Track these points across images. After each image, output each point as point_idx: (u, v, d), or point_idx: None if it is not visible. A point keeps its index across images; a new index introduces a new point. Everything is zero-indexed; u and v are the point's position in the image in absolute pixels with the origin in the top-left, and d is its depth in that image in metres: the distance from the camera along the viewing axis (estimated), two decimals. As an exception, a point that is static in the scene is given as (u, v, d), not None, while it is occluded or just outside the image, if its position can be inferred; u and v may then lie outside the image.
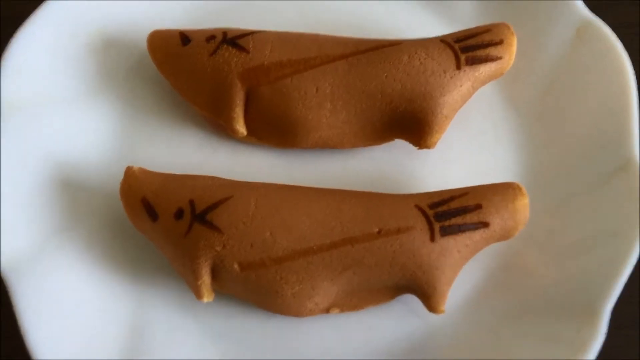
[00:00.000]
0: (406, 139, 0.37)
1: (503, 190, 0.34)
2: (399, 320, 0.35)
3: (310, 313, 0.34)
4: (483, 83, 0.37)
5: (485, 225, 0.33)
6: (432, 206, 0.34)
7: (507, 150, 0.39)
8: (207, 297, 0.34)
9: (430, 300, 0.33)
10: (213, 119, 0.38)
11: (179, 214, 0.33)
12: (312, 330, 0.35)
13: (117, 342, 0.34)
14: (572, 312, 0.34)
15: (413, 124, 0.36)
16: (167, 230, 0.33)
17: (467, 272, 0.35)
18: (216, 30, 0.37)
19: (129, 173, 0.35)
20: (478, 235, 0.33)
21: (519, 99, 0.40)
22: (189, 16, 0.41)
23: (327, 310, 0.34)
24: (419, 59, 0.35)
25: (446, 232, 0.33)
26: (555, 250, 0.36)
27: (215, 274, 0.33)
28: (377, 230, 0.33)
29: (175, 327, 0.35)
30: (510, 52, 0.37)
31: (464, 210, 0.33)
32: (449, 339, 0.35)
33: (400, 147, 0.38)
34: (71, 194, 0.37)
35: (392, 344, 0.35)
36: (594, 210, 0.36)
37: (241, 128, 0.37)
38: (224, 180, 0.35)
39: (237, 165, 0.38)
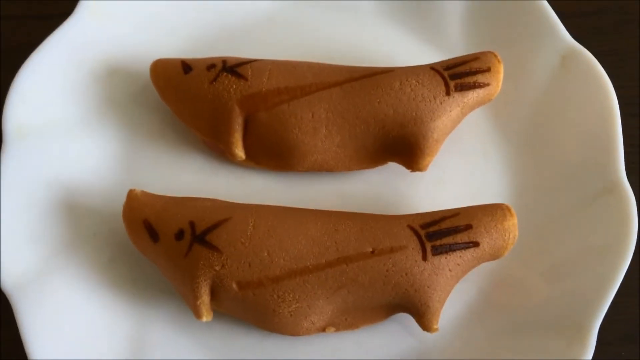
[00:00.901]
0: (399, 162, 0.38)
1: (492, 211, 0.35)
2: (393, 339, 0.36)
3: (307, 332, 0.35)
4: (472, 108, 0.38)
5: (475, 244, 0.34)
6: (424, 226, 0.35)
7: (497, 172, 0.40)
8: (206, 317, 0.34)
9: (423, 318, 0.34)
10: (213, 143, 0.39)
11: (180, 235, 0.34)
12: (309, 349, 0.36)
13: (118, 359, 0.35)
14: (561, 329, 0.35)
15: (405, 148, 0.37)
16: (168, 251, 0.34)
17: (459, 291, 0.37)
18: (216, 59, 0.39)
19: (132, 196, 0.36)
20: (469, 254, 0.34)
21: (508, 123, 0.41)
22: (190, 46, 0.43)
23: (323, 329, 0.35)
24: (410, 86, 0.37)
25: (438, 251, 0.34)
26: (544, 269, 0.37)
27: (214, 294, 0.34)
28: (370, 249, 0.34)
29: (174, 346, 0.36)
30: (497, 79, 0.38)
31: (455, 230, 0.35)
32: (443, 356, 0.36)
33: (393, 170, 0.40)
34: (75, 216, 0.38)
35: (387, 362, 0.36)
36: (580, 231, 0.37)
37: (240, 152, 0.38)
38: (223, 202, 0.36)
39: (235, 188, 0.40)
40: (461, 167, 0.40)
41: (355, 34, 0.43)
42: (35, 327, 0.34)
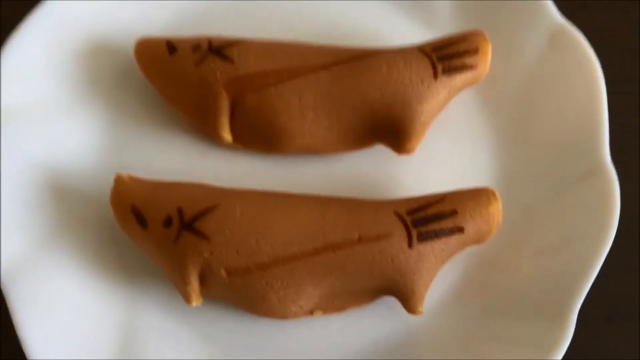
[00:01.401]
0: (386, 144, 0.38)
1: (477, 196, 0.36)
2: (379, 321, 0.37)
3: (295, 316, 0.35)
4: (459, 90, 0.38)
5: (460, 230, 0.35)
6: (410, 212, 0.35)
7: (484, 153, 0.40)
8: (196, 301, 0.35)
9: (409, 302, 0.35)
10: (200, 125, 0.39)
11: (168, 222, 0.35)
12: (297, 332, 0.37)
13: (110, 344, 0.35)
14: (542, 310, 0.36)
15: (392, 131, 0.37)
16: (157, 238, 0.35)
17: (444, 273, 0.37)
18: (202, 38, 0.38)
19: (119, 181, 0.36)
20: (454, 240, 0.35)
21: (495, 104, 0.41)
22: (175, 20, 0.42)
23: (311, 313, 0.36)
24: (397, 69, 0.37)
25: (423, 237, 0.34)
26: (528, 250, 0.38)
27: (203, 279, 0.35)
28: (357, 236, 0.34)
29: (166, 330, 0.36)
30: (485, 61, 0.38)
31: (440, 216, 0.35)
32: (428, 338, 0.37)
33: (381, 152, 0.40)
34: (62, 200, 0.38)
35: (374, 344, 0.37)
36: (564, 213, 0.38)
37: (227, 135, 0.38)
38: (211, 187, 0.36)
39: (223, 170, 0.40)
40: (449, 148, 0.40)
41: (342, 10, 0.43)
42: (27, 314, 0.34)
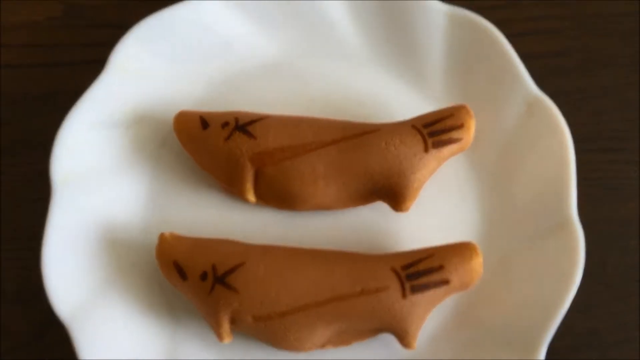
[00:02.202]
0: (386, 202, 0.45)
1: (461, 252, 0.43)
2: (380, 352, 0.45)
3: (309, 349, 0.43)
4: (447, 159, 0.45)
5: (446, 282, 0.42)
6: (404, 267, 0.42)
7: (469, 208, 0.47)
8: (227, 339, 0.42)
9: (403, 340, 0.42)
10: (229, 188, 0.46)
11: (204, 276, 0.42)
12: (311, 360, 0.45)
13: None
14: (517, 344, 0.43)
15: (390, 195, 0.44)
16: (195, 289, 0.42)
17: (434, 312, 0.44)
18: (230, 116, 0.45)
19: (162, 239, 0.44)
20: (441, 290, 0.42)
21: (480, 165, 0.47)
22: (205, 93, 0.49)
23: (322, 346, 0.43)
24: (394, 145, 0.43)
25: (415, 289, 0.42)
26: (506, 292, 0.45)
27: (233, 322, 0.42)
28: (360, 289, 0.41)
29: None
30: (469, 134, 0.45)
31: (430, 271, 0.42)
32: (423, 364, 0.44)
33: (382, 207, 0.47)
34: (115, 252, 0.45)
35: (375, 372, 0.44)
36: (537, 259, 0.44)
37: (252, 198, 0.45)
38: (239, 245, 0.44)
39: (249, 223, 0.47)
40: (439, 204, 0.47)
41: (348, 77, 0.50)
42: (89, 352, 0.42)
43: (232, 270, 0.42)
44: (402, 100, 0.49)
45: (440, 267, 0.42)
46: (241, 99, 0.49)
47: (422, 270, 0.42)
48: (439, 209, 0.47)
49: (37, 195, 0.47)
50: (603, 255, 0.48)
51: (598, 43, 0.52)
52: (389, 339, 0.45)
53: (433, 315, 0.45)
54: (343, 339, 0.44)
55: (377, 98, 0.49)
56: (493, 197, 0.47)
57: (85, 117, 0.46)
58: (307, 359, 0.44)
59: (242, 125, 0.45)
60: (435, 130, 0.44)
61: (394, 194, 0.44)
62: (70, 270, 0.44)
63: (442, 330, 0.45)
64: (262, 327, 0.42)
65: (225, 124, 0.45)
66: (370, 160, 0.44)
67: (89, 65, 0.50)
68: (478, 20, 0.47)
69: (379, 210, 0.47)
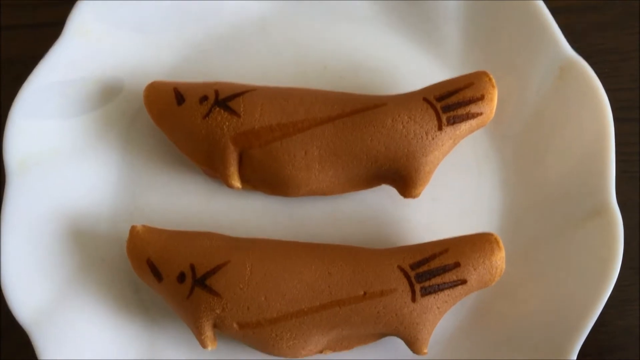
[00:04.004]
0: (392, 186, 0.39)
1: (481, 246, 0.37)
2: (384, 356, 0.39)
3: (305, 356, 0.37)
4: (463, 138, 0.38)
5: (463, 282, 0.36)
6: (414, 266, 0.36)
7: (490, 191, 0.41)
8: (211, 346, 0.37)
9: (413, 346, 0.37)
10: (210, 170, 0.40)
11: (181, 278, 0.36)
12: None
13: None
14: (543, 349, 0.37)
15: (397, 179, 0.38)
16: (171, 292, 0.37)
17: (447, 314, 0.39)
18: (209, 88, 0.39)
19: (134, 232, 0.38)
20: (457, 291, 0.36)
21: (502, 140, 0.41)
22: (183, 57, 0.42)
23: (320, 351, 0.38)
24: (402, 122, 0.37)
25: (426, 292, 0.36)
26: (531, 290, 0.39)
27: (217, 328, 0.37)
28: (362, 292, 0.36)
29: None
30: (491, 107, 0.38)
31: (444, 270, 0.36)
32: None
33: (389, 190, 0.41)
34: (82, 243, 0.40)
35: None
36: (568, 251, 0.39)
37: (236, 183, 0.39)
38: (222, 239, 0.38)
39: (233, 212, 0.41)
40: (455, 186, 0.41)
41: (349, 39, 0.43)
42: (52, 357, 0.37)
43: (213, 271, 0.36)
44: (412, 67, 0.42)
45: (456, 265, 0.36)
46: (222, 66, 0.42)
47: (434, 269, 0.36)
48: (454, 194, 0.41)
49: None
50: (641, 243, 0.42)
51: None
52: (394, 342, 0.39)
53: (448, 314, 0.39)
54: (343, 344, 0.38)
55: (382, 64, 0.42)
56: (517, 180, 0.41)
57: (43, 89, 0.39)
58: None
59: (222, 100, 0.38)
60: (451, 103, 0.37)
61: (403, 179, 0.38)
62: (30, 269, 0.39)
63: (457, 330, 0.40)
64: (250, 334, 0.36)
65: (203, 99, 0.38)
66: (373, 141, 0.37)
67: (50, 28, 0.42)
68: (501, -31, 0.40)
69: (385, 194, 0.41)
